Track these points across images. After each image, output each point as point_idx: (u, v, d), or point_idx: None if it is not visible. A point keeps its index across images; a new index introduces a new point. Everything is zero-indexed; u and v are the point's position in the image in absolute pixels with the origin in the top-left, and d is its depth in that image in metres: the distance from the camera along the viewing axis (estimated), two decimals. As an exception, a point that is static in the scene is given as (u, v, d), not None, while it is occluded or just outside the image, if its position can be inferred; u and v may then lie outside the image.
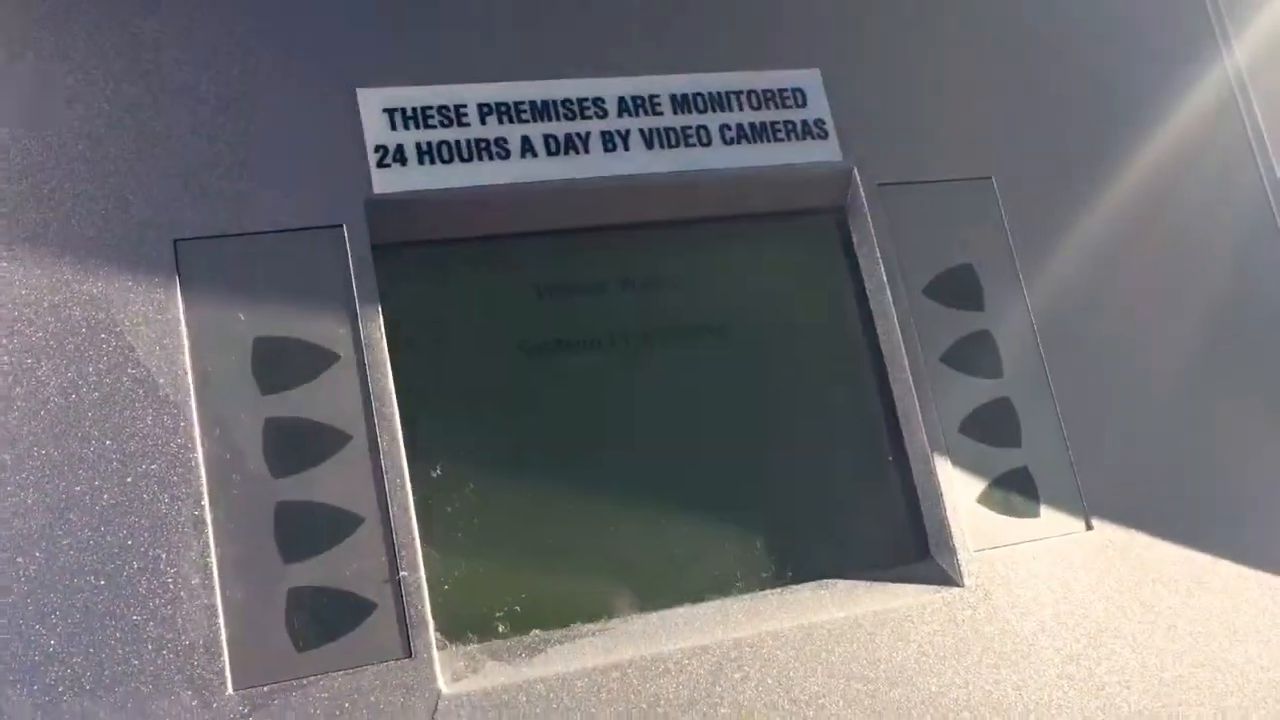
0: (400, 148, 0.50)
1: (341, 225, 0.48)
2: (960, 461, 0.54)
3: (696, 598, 0.50)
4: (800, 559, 0.52)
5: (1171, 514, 0.56)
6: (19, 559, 0.42)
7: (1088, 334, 0.58)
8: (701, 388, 0.53)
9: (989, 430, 0.55)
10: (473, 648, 0.47)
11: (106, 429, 0.44)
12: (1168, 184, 0.62)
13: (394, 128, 0.50)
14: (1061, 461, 0.55)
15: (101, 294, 0.45)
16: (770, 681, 0.48)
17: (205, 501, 0.44)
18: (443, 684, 0.44)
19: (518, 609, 0.48)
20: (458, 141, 0.51)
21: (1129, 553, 0.55)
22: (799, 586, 0.52)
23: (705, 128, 0.55)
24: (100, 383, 0.44)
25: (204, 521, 0.44)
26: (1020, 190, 0.59)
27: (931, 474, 0.53)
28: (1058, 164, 0.60)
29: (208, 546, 0.43)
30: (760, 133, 0.56)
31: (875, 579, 0.52)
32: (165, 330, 0.45)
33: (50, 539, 0.42)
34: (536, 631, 0.48)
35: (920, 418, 0.54)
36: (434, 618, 0.46)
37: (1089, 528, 0.55)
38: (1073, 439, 0.56)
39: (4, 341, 0.44)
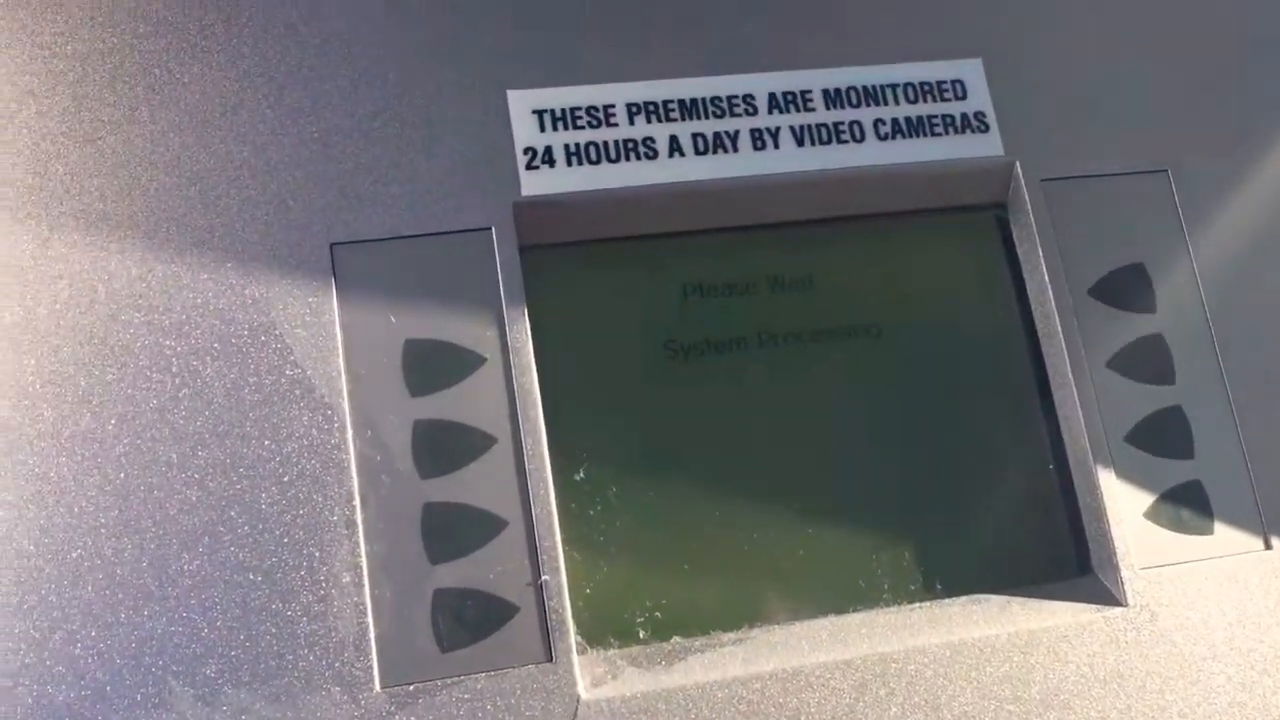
0: (549, 149, 0.50)
1: (490, 228, 0.49)
2: (1126, 473, 0.51)
3: (841, 609, 0.49)
4: (951, 572, 0.51)
5: (1362, 535, 0.52)
6: (184, 555, 0.44)
7: (1270, 339, 0.54)
8: (852, 391, 0.52)
9: (1158, 441, 0.52)
10: (613, 653, 0.47)
11: (265, 430, 0.45)
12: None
13: (543, 129, 0.50)
14: (1239, 475, 0.52)
15: (263, 297, 0.46)
16: (917, 700, 0.47)
17: (356, 502, 0.45)
18: (582, 689, 0.45)
19: (659, 614, 0.48)
20: (606, 142, 0.51)
21: (1313, 574, 0.51)
22: (949, 600, 0.50)
23: (859, 123, 0.53)
24: (260, 384, 0.46)
25: (355, 521, 0.45)
26: (1198, 183, 0.55)
27: (1094, 486, 0.51)
28: (1239, 154, 0.56)
29: (358, 546, 0.45)
30: (917, 127, 0.54)
31: (1031, 595, 0.50)
32: (321, 332, 0.47)
33: (213, 535, 0.44)
34: (677, 638, 0.48)
35: (1083, 426, 0.51)
36: (575, 621, 0.46)
37: (1268, 547, 0.51)
38: (1251, 452, 0.52)
39: (173, 344, 0.46)
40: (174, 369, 0.45)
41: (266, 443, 0.45)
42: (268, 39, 0.49)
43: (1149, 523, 0.51)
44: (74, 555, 0.43)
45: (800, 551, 0.50)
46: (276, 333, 0.46)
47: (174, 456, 0.44)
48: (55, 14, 0.48)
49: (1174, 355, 0.53)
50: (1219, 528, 0.51)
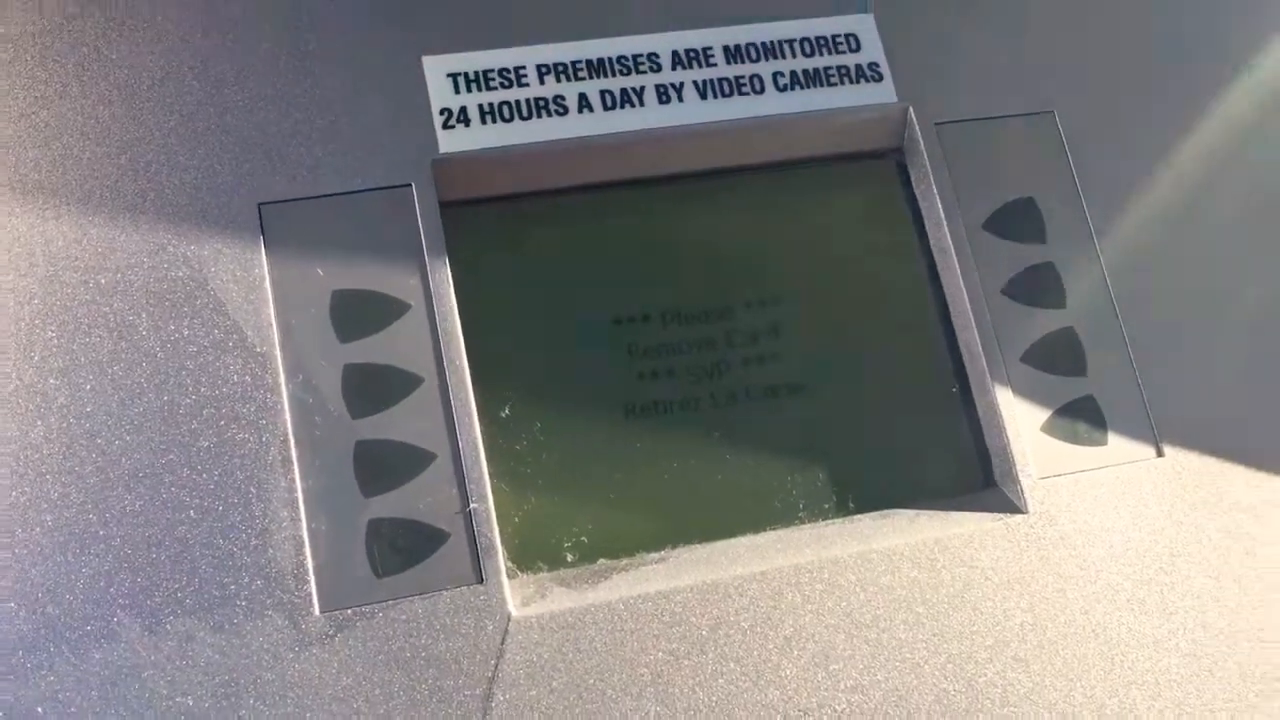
0: (464, 109, 0.53)
1: (410, 184, 0.51)
2: (1023, 391, 0.54)
3: (758, 528, 0.52)
4: (863, 490, 0.54)
5: (1247, 439, 0.55)
6: (126, 496, 0.46)
7: (1157, 262, 0.57)
8: (765, 325, 0.55)
9: (1052, 360, 0.55)
10: (542, 575, 0.49)
11: (201, 379, 0.48)
12: (1242, 108, 0.60)
13: (457, 91, 0.53)
14: (1130, 389, 0.55)
15: (194, 255, 0.49)
16: (831, 605, 0.50)
17: (291, 442, 0.48)
18: (513, 608, 0.47)
19: (584, 540, 0.51)
20: (518, 101, 0.54)
21: (1203, 479, 0.54)
22: (861, 516, 0.53)
23: (758, 76, 0.56)
24: (195, 337, 0.48)
25: (290, 460, 0.47)
26: (1084, 122, 0.59)
27: (993, 404, 0.54)
28: (1124, 93, 0.60)
29: (294, 483, 0.47)
30: (813, 78, 0.57)
31: (938, 508, 0.53)
32: (251, 287, 0.49)
33: (153, 477, 0.46)
34: (603, 560, 0.50)
35: (980, 349, 0.54)
36: (505, 548, 0.48)
37: (1160, 455, 0.55)
38: (1142, 367, 0.55)
39: (109, 302, 0.48)
40: (111, 324, 0.48)
41: (203, 390, 0.48)
42: (191, 15, 0.52)
43: (1046, 436, 0.54)
44: (21, 500, 0.45)
45: (718, 477, 0.53)
46: (209, 288, 0.49)
47: (113, 406, 0.47)
48: (-13, -1, 0.51)
49: (1065, 281, 0.56)
50: (1113, 438, 0.54)
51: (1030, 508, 0.52)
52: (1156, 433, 0.55)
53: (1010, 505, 0.53)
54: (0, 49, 0.50)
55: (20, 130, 0.49)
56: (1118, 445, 0.54)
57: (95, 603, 0.45)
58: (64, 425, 0.46)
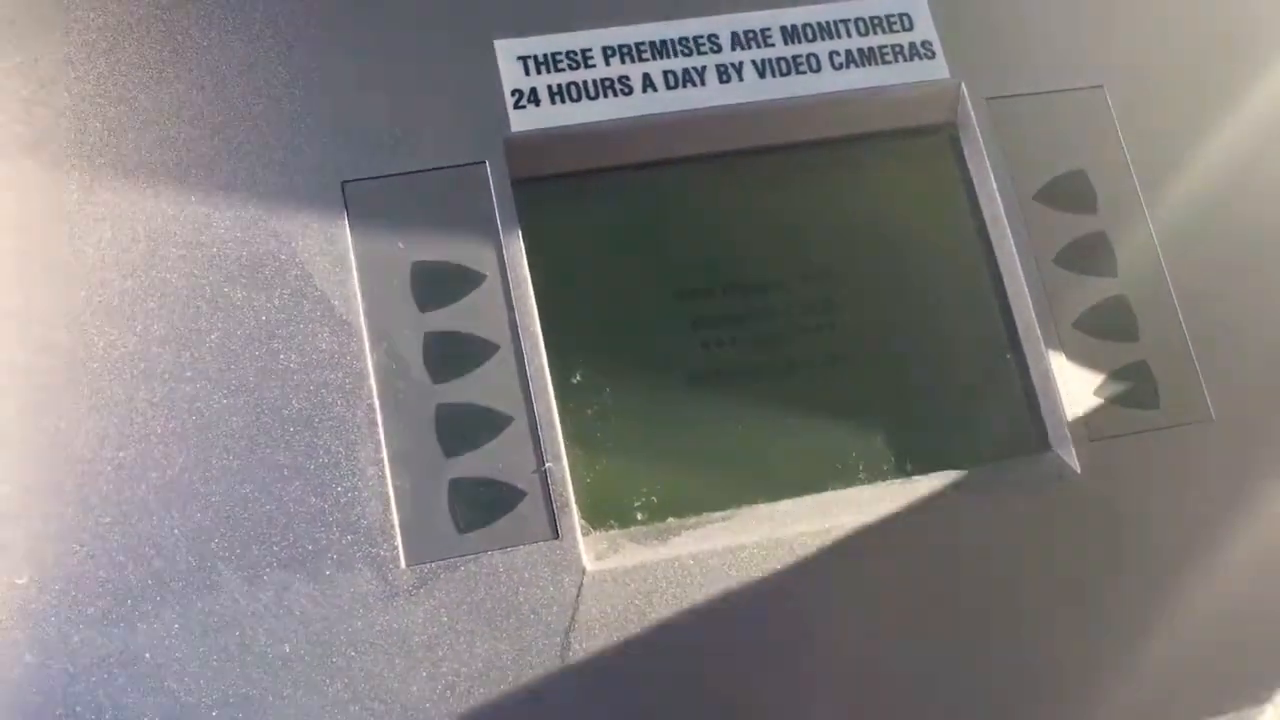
0: (534, 90, 0.55)
1: (484, 162, 0.54)
2: (1076, 356, 0.56)
3: (819, 489, 0.54)
4: (920, 453, 0.55)
5: (1297, 402, 0.57)
6: (225, 456, 0.49)
7: (1208, 231, 0.59)
8: (826, 295, 0.57)
9: (1105, 327, 0.57)
10: (613, 533, 0.52)
11: (292, 345, 0.51)
12: (1290, 81, 0.62)
13: (527, 73, 0.56)
14: (1182, 354, 0.57)
15: (284, 230, 0.52)
16: (891, 561, 0.52)
17: (376, 405, 0.50)
18: (587, 562, 0.50)
19: (654, 499, 0.53)
20: (585, 82, 0.56)
21: (1256, 440, 0.56)
22: (919, 477, 0.55)
23: (815, 55, 0.58)
24: (285, 306, 0.51)
25: (376, 423, 0.50)
26: (1134, 96, 0.60)
27: (1047, 369, 0.55)
28: (1175, 68, 0.61)
29: (380, 444, 0.50)
30: (868, 57, 0.59)
31: (993, 470, 0.55)
32: (337, 260, 0.52)
33: (249, 439, 0.49)
34: (671, 519, 0.53)
35: (1034, 316, 0.56)
36: (578, 506, 0.51)
37: (1211, 418, 0.56)
38: (1193, 333, 0.57)
39: (206, 274, 0.51)
40: (208, 295, 0.51)
41: (294, 356, 0.50)
42: (276, 4, 0.55)
43: (1099, 400, 0.56)
44: (128, 460, 0.48)
45: (780, 441, 0.55)
46: (298, 260, 0.52)
47: (211, 371, 0.50)
48: (87, -9, 0.54)
49: (1116, 250, 0.58)
50: (1164, 402, 0.56)
51: (1083, 469, 0.54)
52: (1208, 396, 0.56)
53: (1064, 467, 0.55)
54: (100, 37, 0.53)
55: (121, 114, 0.52)
56: (1170, 408, 0.56)
57: (198, 555, 0.48)
58: (166, 390, 0.49)
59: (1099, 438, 0.55)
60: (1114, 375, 0.56)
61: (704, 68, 0.57)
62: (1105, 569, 0.53)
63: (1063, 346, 0.56)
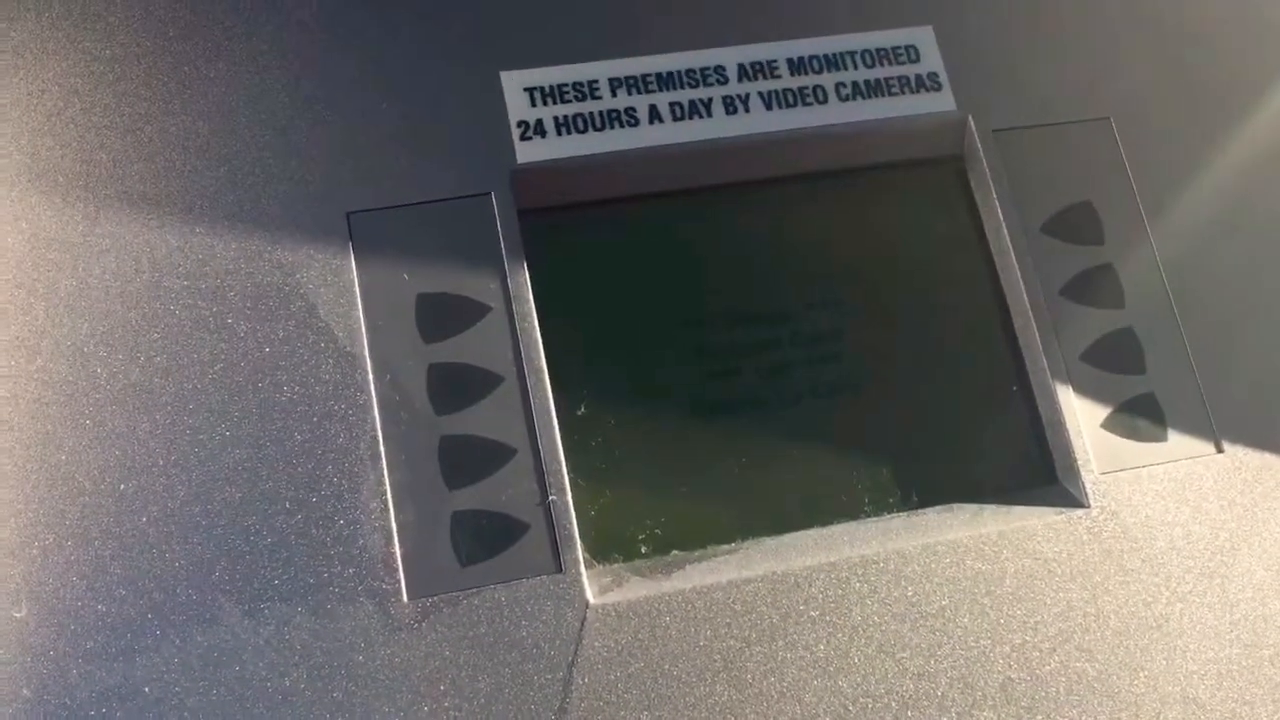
0: (540, 122, 0.55)
1: (490, 193, 0.54)
2: (1083, 389, 0.55)
3: (825, 521, 0.54)
4: (926, 485, 0.55)
5: (1307, 435, 0.56)
6: (227, 488, 0.49)
7: (1214, 263, 0.58)
8: (833, 326, 0.57)
9: (1112, 359, 0.56)
10: (617, 566, 0.51)
11: (295, 377, 0.50)
12: (1297, 113, 0.62)
13: (534, 104, 0.56)
14: (1189, 387, 0.56)
15: (288, 262, 0.52)
16: (897, 595, 0.51)
17: (379, 437, 0.50)
18: (591, 596, 0.49)
19: (658, 532, 0.53)
20: (591, 113, 0.56)
21: (1264, 474, 0.55)
22: (925, 510, 0.54)
23: (821, 87, 0.58)
24: (289, 338, 0.51)
25: (379, 454, 0.50)
26: (1140, 128, 0.60)
27: (1054, 401, 0.55)
28: (1179, 100, 0.61)
29: (383, 476, 0.50)
30: (875, 89, 0.59)
31: (1001, 502, 0.55)
32: (341, 291, 0.52)
33: (251, 471, 0.49)
34: (676, 552, 0.52)
35: (1041, 348, 0.56)
36: (581, 539, 0.51)
37: (1219, 450, 0.56)
38: (1200, 365, 0.57)
39: (210, 305, 0.51)
40: (211, 327, 0.51)
41: (297, 388, 0.50)
42: (283, 36, 0.55)
43: (1107, 433, 0.55)
44: (129, 492, 0.48)
45: (785, 472, 0.54)
46: (302, 292, 0.52)
47: (214, 403, 0.50)
48: (96, 24, 0.54)
49: (1123, 281, 0.58)
50: (1173, 435, 0.56)
51: (1092, 502, 0.54)
52: (1216, 429, 0.56)
53: (1072, 500, 0.54)
54: (108, 68, 0.53)
55: (127, 145, 0.52)
56: (1178, 441, 0.55)
57: (198, 588, 0.47)
58: (169, 421, 0.49)
59: (1108, 470, 0.54)
60: (1121, 408, 0.56)
61: (711, 99, 0.57)
62: (1115, 601, 0.52)
63: (1070, 379, 0.55)
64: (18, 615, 0.46)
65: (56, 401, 0.49)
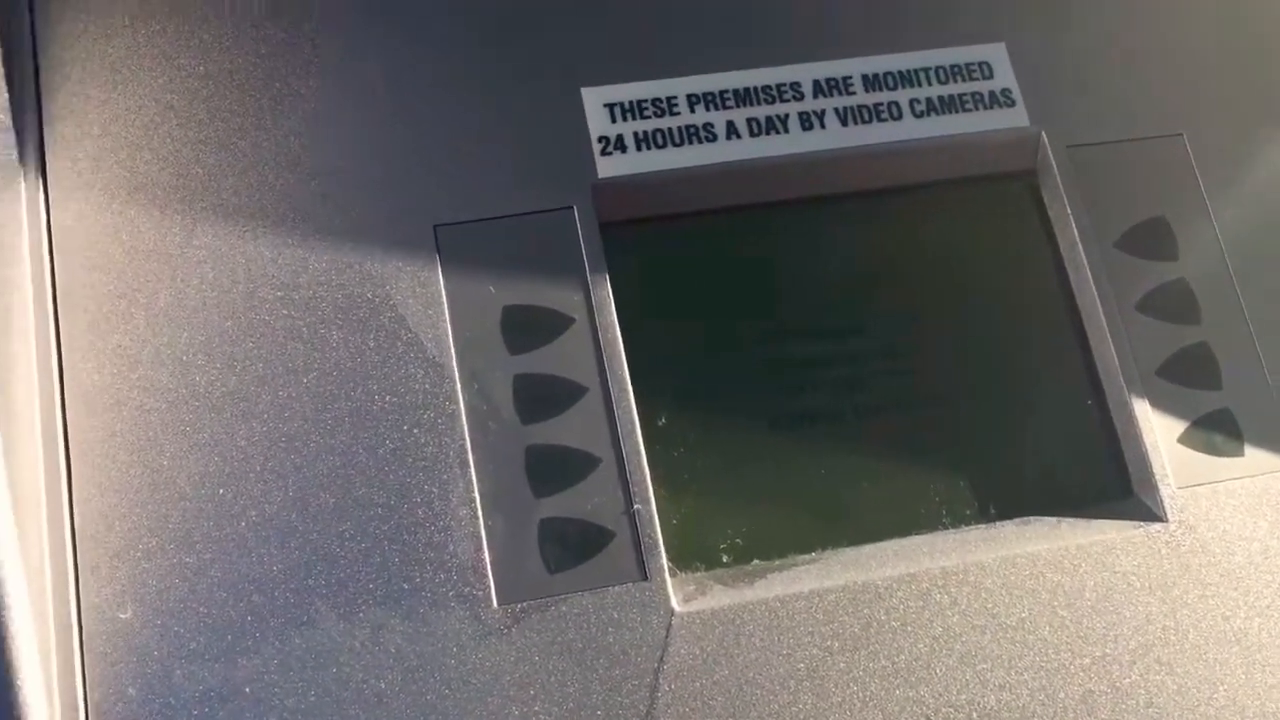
0: (620, 137, 0.56)
1: (572, 207, 0.55)
2: (1159, 404, 0.56)
3: (903, 532, 0.54)
4: (1003, 498, 0.55)
5: (1385, 451, 0.56)
6: (321, 494, 0.50)
7: (1289, 279, 0.59)
8: (908, 340, 0.57)
9: (1188, 374, 0.57)
10: (700, 574, 0.52)
11: (385, 386, 0.52)
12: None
13: (614, 120, 0.57)
14: (1265, 402, 0.57)
15: (378, 273, 0.53)
16: (977, 607, 0.52)
17: (468, 446, 0.51)
18: (676, 604, 0.50)
19: (739, 541, 0.53)
20: (670, 129, 0.57)
21: (1340, 490, 0.56)
22: (1003, 523, 0.55)
23: (896, 103, 0.59)
24: (379, 347, 0.52)
25: (467, 463, 0.51)
26: (1213, 143, 0.60)
27: (1130, 416, 0.55)
28: (1254, 115, 0.61)
29: (471, 484, 0.51)
30: (949, 105, 0.59)
31: (1078, 516, 0.55)
32: (429, 302, 0.53)
33: (344, 478, 0.50)
34: (756, 561, 0.53)
35: (1117, 363, 0.56)
36: (664, 548, 0.51)
37: (1297, 466, 0.56)
38: (1277, 380, 0.57)
39: (303, 315, 0.52)
40: (305, 337, 0.52)
41: (388, 398, 0.51)
42: (373, 56, 0.56)
43: (1183, 448, 0.55)
44: (228, 498, 0.49)
45: (862, 484, 0.55)
46: (391, 304, 0.53)
47: (308, 411, 0.51)
48: (190, 40, 0.56)
49: (1198, 296, 0.58)
50: (1250, 450, 0.56)
51: (1170, 516, 0.54)
52: (1293, 444, 0.56)
53: (1150, 514, 0.54)
54: (203, 84, 0.55)
55: (221, 159, 0.54)
56: (1255, 456, 0.56)
57: (295, 592, 0.48)
58: (265, 429, 0.50)
59: (1185, 485, 0.55)
60: (1198, 423, 0.56)
61: (787, 115, 0.58)
62: (1193, 615, 0.52)
63: (1146, 394, 0.56)
64: (123, 617, 0.47)
65: (158, 409, 0.50)
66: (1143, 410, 0.56)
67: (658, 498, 0.52)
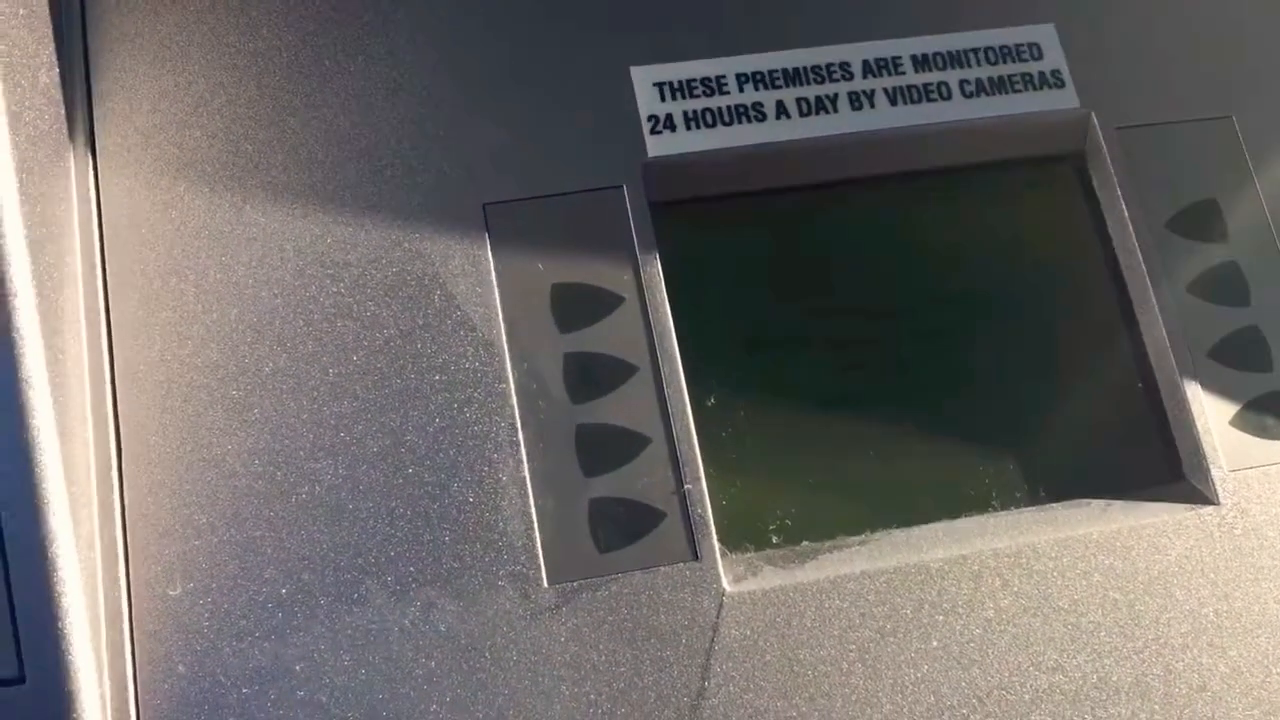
0: (670, 116, 0.56)
1: (622, 186, 0.55)
2: (1210, 386, 0.55)
3: (954, 514, 0.54)
4: (1053, 480, 0.55)
5: None
6: (371, 473, 0.50)
7: (1341, 262, 0.58)
8: (956, 323, 0.57)
9: (1239, 356, 0.56)
10: (750, 555, 0.52)
11: (435, 365, 0.51)
12: None
13: (663, 99, 0.56)
14: (1318, 386, 0.56)
15: (428, 252, 0.53)
16: (1030, 589, 0.51)
17: (518, 424, 0.51)
18: (726, 584, 0.50)
19: (789, 522, 0.53)
20: (720, 108, 0.57)
21: (1394, 474, 0.55)
22: (1054, 505, 0.54)
23: (945, 83, 0.59)
24: (429, 326, 0.52)
25: (517, 442, 0.51)
26: (1264, 125, 0.60)
27: (1181, 399, 0.55)
28: (1302, 99, 0.61)
29: (521, 463, 0.50)
30: (998, 86, 0.59)
31: (1128, 499, 0.55)
32: (479, 280, 0.53)
33: (395, 456, 0.50)
34: (806, 542, 0.53)
35: (1168, 345, 0.56)
36: (714, 528, 0.51)
37: (1350, 449, 0.55)
38: (1329, 364, 0.56)
39: (352, 293, 0.52)
40: (354, 314, 0.52)
41: (437, 376, 0.51)
42: (421, 33, 0.56)
43: (1235, 430, 0.55)
44: (278, 475, 0.49)
45: (912, 465, 0.55)
46: (440, 282, 0.52)
47: (358, 389, 0.51)
48: (239, 19, 0.55)
49: (1248, 279, 0.57)
50: (1302, 433, 0.55)
51: (1222, 499, 0.53)
52: (1345, 428, 0.56)
53: (1201, 497, 0.54)
54: (251, 62, 0.55)
55: (270, 137, 0.54)
56: (1308, 440, 0.55)
57: (346, 570, 0.48)
58: (315, 407, 0.50)
59: (1237, 468, 0.54)
60: (1250, 405, 0.55)
61: (836, 95, 0.58)
62: (1246, 598, 0.52)
63: (1197, 376, 0.55)
64: (173, 593, 0.47)
65: (207, 386, 0.50)
66: (1194, 393, 0.55)
67: (707, 478, 0.52)
